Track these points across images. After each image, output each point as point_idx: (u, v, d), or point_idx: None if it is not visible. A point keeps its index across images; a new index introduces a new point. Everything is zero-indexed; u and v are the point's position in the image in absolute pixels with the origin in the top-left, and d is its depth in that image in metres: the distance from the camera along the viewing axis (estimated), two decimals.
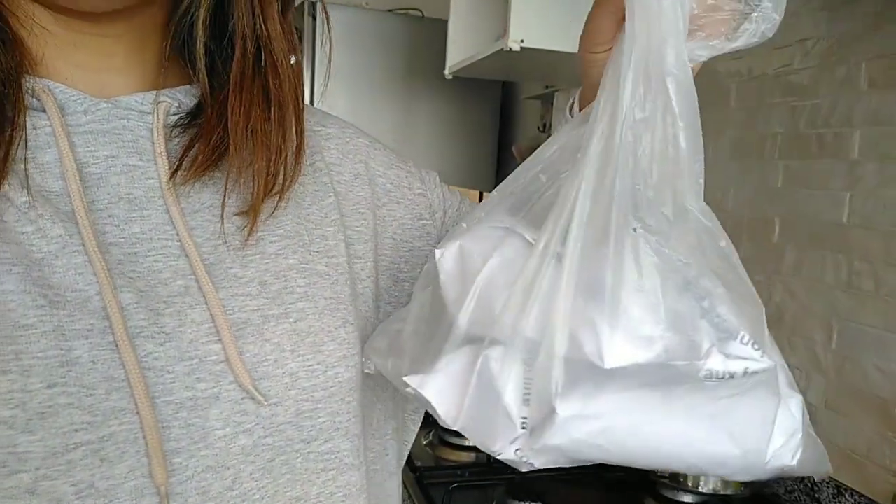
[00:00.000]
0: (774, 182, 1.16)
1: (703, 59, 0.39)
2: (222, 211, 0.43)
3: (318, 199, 0.50)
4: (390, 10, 2.12)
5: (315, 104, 2.08)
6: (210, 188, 0.44)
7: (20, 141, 0.38)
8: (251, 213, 0.44)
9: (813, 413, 1.06)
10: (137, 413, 0.37)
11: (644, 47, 0.36)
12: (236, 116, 0.43)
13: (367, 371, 0.47)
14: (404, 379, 0.39)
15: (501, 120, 2.30)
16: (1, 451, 0.33)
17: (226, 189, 0.43)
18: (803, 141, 1.12)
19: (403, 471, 1.22)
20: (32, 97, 0.40)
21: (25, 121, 0.39)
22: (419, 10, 2.13)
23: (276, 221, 0.46)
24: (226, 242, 0.43)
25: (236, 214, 0.44)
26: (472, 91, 2.21)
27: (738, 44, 0.38)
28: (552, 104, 1.94)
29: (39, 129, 0.39)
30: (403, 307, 0.48)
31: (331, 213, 0.50)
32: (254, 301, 0.42)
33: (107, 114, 0.41)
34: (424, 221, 0.58)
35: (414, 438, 0.61)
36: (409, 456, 1.25)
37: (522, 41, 1.31)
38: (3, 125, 0.37)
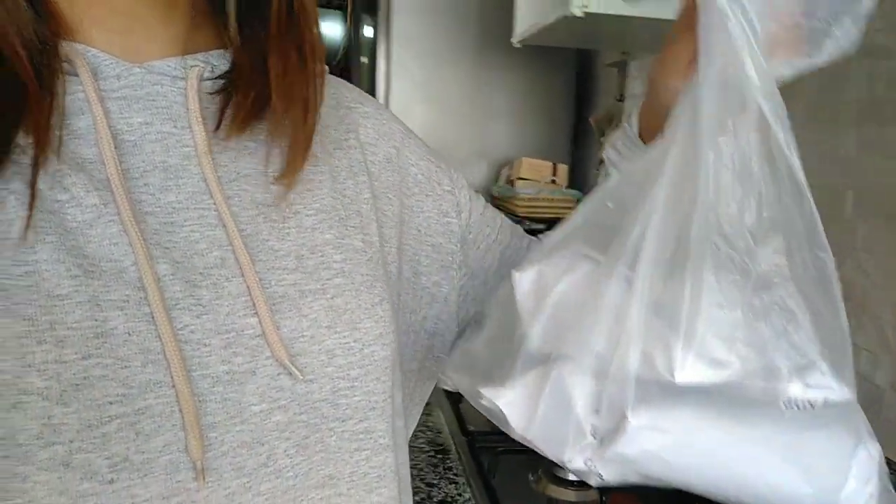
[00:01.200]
0: (849, 151, 1.09)
1: (787, 77, 0.39)
2: (266, 166, 0.43)
3: (353, 175, 0.50)
4: None
5: (391, 75, 2.11)
6: (246, 157, 0.43)
7: (55, 107, 0.38)
8: (289, 171, 0.43)
9: (881, 395, 1.01)
10: (173, 386, 0.36)
11: (723, 69, 0.37)
12: (277, 68, 0.42)
13: (443, 387, 0.48)
14: (479, 390, 0.41)
15: (578, 89, 2.26)
16: (35, 423, 0.33)
17: (267, 151, 0.43)
18: (881, 107, 1.04)
19: (455, 433, 1.25)
20: (66, 62, 0.39)
21: (59, 86, 0.38)
22: None
23: (312, 195, 0.45)
24: (263, 213, 0.42)
25: (274, 183, 0.43)
26: (546, 59, 2.17)
27: (820, 61, 0.39)
28: (627, 73, 1.88)
29: (72, 95, 0.39)
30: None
31: (364, 190, 0.50)
32: (290, 275, 0.42)
33: (140, 79, 0.41)
34: (450, 219, 0.57)
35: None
36: (462, 419, 1.27)
37: (586, 6, 1.28)
38: (41, 93, 0.37)
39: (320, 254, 0.44)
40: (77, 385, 0.34)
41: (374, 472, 0.45)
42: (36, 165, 0.36)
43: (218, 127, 0.42)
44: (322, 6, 3.13)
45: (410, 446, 0.59)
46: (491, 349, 0.44)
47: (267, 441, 0.39)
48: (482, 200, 0.62)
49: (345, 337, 0.43)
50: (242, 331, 0.39)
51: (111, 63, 0.40)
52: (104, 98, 0.39)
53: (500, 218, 0.63)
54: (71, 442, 0.33)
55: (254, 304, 0.39)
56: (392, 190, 0.53)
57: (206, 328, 0.38)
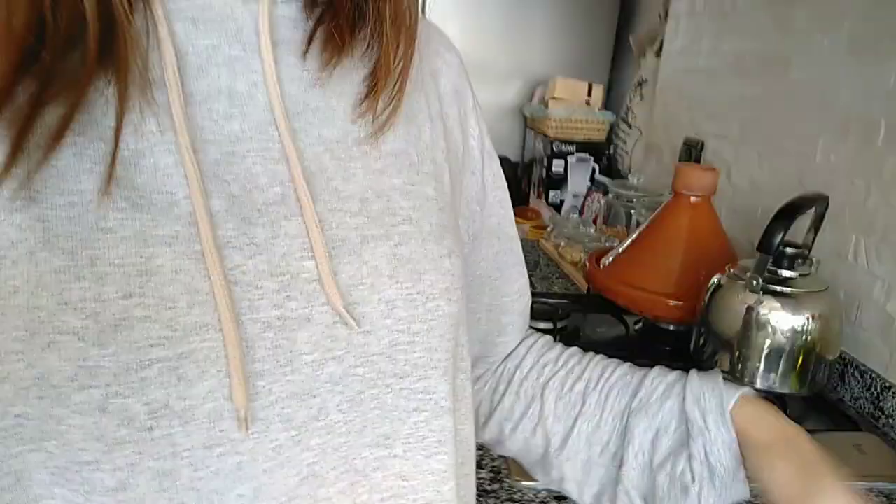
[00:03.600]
0: (887, 83, 1.08)
1: None
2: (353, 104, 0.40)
3: (431, 120, 0.46)
4: None
5: None
6: (317, 90, 0.40)
7: (120, 28, 0.35)
8: (368, 109, 0.41)
9: (892, 324, 1.04)
10: (220, 330, 0.34)
11: None
12: None
13: None
14: None
15: (621, 7, 2.20)
16: (70, 364, 0.31)
17: (344, 86, 0.41)
18: None
19: None
20: None
21: (125, 5, 0.36)
22: None
23: (383, 137, 0.42)
24: (330, 150, 0.40)
25: (351, 122, 0.41)
26: None
27: None
28: None
29: (139, 13, 0.36)
30: None
31: (440, 139, 0.47)
32: (353, 219, 0.39)
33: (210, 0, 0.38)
34: (475, 208, 0.53)
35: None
36: None
37: None
38: (113, 15, 0.34)
39: (387, 198, 0.41)
40: (116, 326, 0.32)
41: (434, 437, 0.41)
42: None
43: (306, 54, 0.40)
44: None
45: None
46: None
47: (319, 394, 0.37)
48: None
49: (407, 288, 0.40)
50: (298, 274, 0.36)
51: None
52: (171, 18, 0.37)
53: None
54: (107, 386, 0.31)
55: (311, 247, 0.37)
56: (456, 151, 0.49)
57: (259, 269, 0.35)
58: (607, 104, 2.19)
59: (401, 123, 0.43)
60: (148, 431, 0.32)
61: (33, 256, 0.31)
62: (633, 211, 1.57)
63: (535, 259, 1.64)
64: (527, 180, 2.27)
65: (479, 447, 0.55)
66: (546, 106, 2.06)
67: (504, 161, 2.21)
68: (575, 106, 2.04)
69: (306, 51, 0.40)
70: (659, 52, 1.89)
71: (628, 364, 0.56)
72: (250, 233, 0.36)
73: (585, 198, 1.97)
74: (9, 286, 0.31)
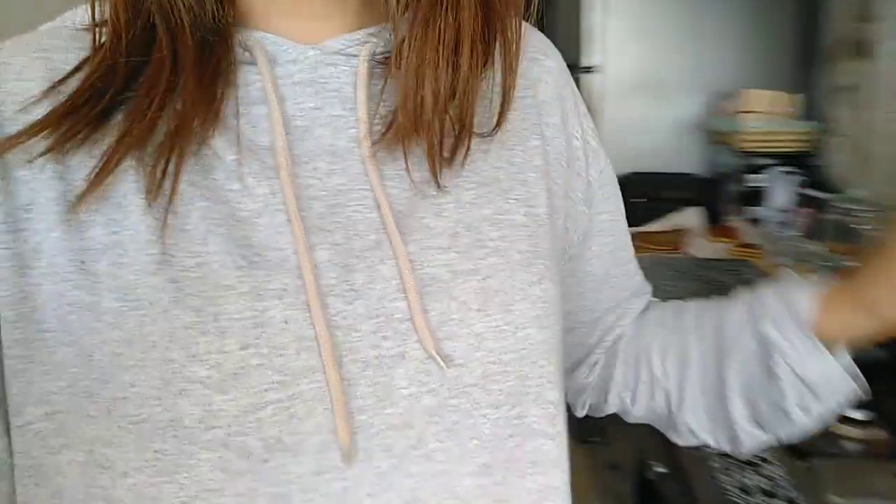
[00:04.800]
0: None
1: None
2: (432, 158, 0.41)
3: (524, 140, 0.47)
4: None
5: (610, 6, 2.07)
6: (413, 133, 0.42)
7: (234, 97, 0.40)
8: (455, 152, 0.42)
9: None
10: (324, 372, 0.37)
11: None
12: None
13: None
14: None
15: (808, 8, 2.10)
16: (198, 409, 0.35)
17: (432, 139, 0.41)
18: None
19: None
20: (245, 51, 0.40)
21: (238, 76, 0.40)
22: None
23: (474, 165, 0.44)
24: (421, 191, 0.42)
25: (438, 164, 0.42)
26: None
27: None
28: None
29: (251, 86, 0.41)
30: None
31: (535, 157, 0.47)
32: (443, 255, 0.41)
33: (314, 62, 0.41)
34: (581, 209, 0.53)
35: None
36: None
37: None
38: (215, 79, 0.39)
39: (476, 231, 0.42)
40: (235, 374, 0.36)
41: (528, 457, 0.43)
42: (180, 155, 0.37)
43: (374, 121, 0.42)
44: None
45: None
46: None
47: (416, 424, 0.39)
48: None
49: (496, 320, 0.41)
50: (392, 315, 0.39)
51: (288, 48, 0.41)
52: (279, 85, 0.41)
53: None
54: (229, 426, 0.35)
55: (404, 288, 0.39)
56: (562, 159, 0.50)
57: (358, 313, 0.39)
58: (806, 113, 2.08)
59: (493, 149, 0.45)
60: (264, 463, 0.36)
61: (167, 314, 0.36)
62: (864, 226, 1.47)
63: (750, 279, 1.57)
64: (718, 197, 2.19)
65: None
66: (736, 118, 1.99)
67: (687, 178, 2.16)
68: (771, 117, 1.95)
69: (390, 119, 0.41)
70: (860, 55, 1.77)
71: (716, 300, 0.56)
72: (350, 279, 0.39)
73: (792, 213, 1.87)
74: (148, 341, 0.35)
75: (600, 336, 0.58)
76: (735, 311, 0.52)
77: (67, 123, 0.36)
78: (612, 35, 2.11)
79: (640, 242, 1.67)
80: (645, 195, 2.03)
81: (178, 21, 0.38)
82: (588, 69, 2.13)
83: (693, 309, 0.56)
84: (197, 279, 0.36)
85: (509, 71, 0.44)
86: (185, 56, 0.38)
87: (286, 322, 0.37)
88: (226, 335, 0.36)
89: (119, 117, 0.38)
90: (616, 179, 0.56)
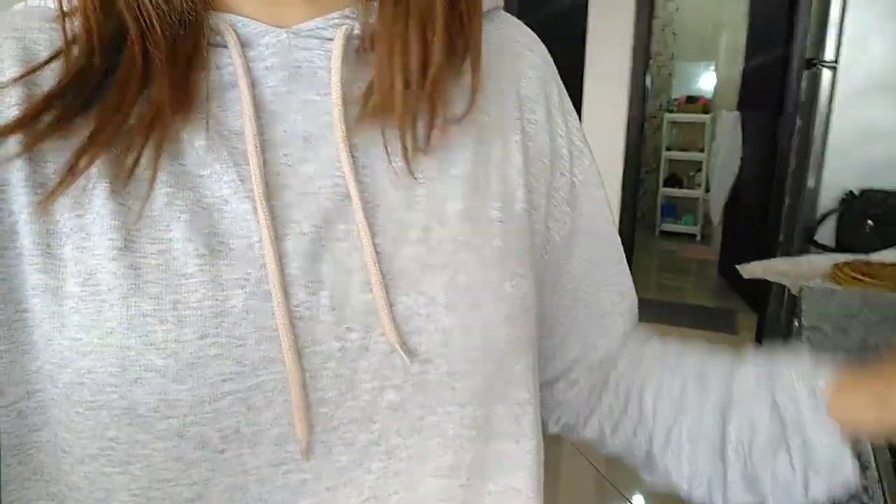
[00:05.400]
0: None
1: None
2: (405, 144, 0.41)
3: (504, 135, 0.46)
4: None
5: None
6: (389, 121, 0.41)
7: (205, 81, 0.39)
8: (429, 138, 0.41)
9: None
10: (284, 363, 0.37)
11: None
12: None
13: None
14: None
15: None
16: (153, 398, 0.35)
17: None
18: None
19: None
20: (217, 34, 0.40)
21: (210, 60, 0.40)
22: None
23: (450, 159, 0.43)
24: (395, 182, 0.41)
25: (411, 150, 0.41)
26: None
27: None
28: None
29: (223, 69, 0.40)
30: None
31: (514, 152, 0.46)
32: (413, 248, 0.40)
33: (287, 45, 0.41)
34: (564, 209, 0.51)
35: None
36: None
37: None
38: (187, 65, 0.38)
39: (449, 225, 0.41)
40: (192, 364, 0.35)
41: (493, 458, 0.44)
42: (158, 147, 0.37)
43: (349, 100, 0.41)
44: None
45: None
46: None
47: (379, 419, 0.39)
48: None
49: (464, 316, 0.40)
50: (356, 307, 0.39)
51: (260, 31, 0.40)
52: (252, 69, 0.40)
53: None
54: (185, 416, 0.36)
55: (370, 280, 0.39)
56: (545, 154, 0.49)
57: (321, 304, 0.38)
58: None
59: (470, 143, 0.44)
60: (220, 453, 0.37)
61: (125, 301, 0.35)
62: None
63: None
64: None
65: None
66: None
67: None
68: None
69: (367, 96, 0.41)
70: None
71: (722, 353, 0.53)
72: (315, 270, 0.38)
73: None
74: (106, 327, 0.35)
75: (581, 352, 0.56)
76: (749, 371, 0.50)
77: (42, 124, 0.37)
78: (851, 29, 1.84)
79: (858, 274, 1.43)
80: (873, 217, 1.74)
81: (147, 14, 0.38)
82: (812, 64, 1.86)
83: (697, 355, 0.54)
84: (157, 266, 0.36)
85: (476, 53, 0.43)
86: (157, 45, 0.38)
87: (247, 312, 0.37)
88: (184, 324, 0.36)
89: (94, 111, 0.38)
90: (602, 182, 0.54)
